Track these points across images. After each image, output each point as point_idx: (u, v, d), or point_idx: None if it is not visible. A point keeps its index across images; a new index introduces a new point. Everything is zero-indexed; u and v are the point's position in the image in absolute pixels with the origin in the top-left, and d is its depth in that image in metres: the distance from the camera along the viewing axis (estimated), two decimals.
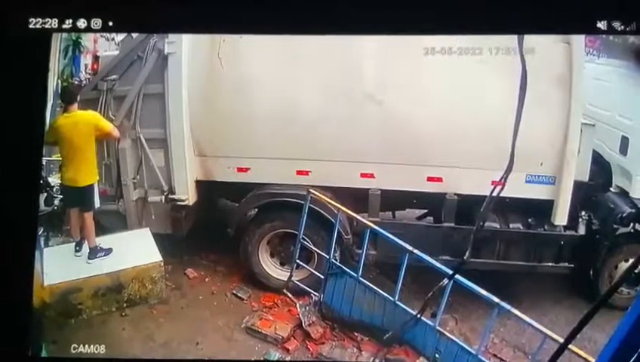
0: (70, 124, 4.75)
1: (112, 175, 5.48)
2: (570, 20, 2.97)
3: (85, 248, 4.83)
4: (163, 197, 5.34)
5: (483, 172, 4.79)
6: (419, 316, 4.39)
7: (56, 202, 5.15)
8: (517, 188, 4.79)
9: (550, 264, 5.14)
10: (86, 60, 6.57)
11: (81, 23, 2.94)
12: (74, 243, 4.88)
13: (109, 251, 4.83)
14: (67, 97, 4.99)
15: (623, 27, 2.88)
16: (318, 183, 5.09)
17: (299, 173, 5.18)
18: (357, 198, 5.20)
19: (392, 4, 2.96)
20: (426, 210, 5.66)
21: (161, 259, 4.89)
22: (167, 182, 5.34)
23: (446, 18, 2.99)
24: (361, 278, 4.81)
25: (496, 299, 4.17)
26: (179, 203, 5.30)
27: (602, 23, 2.89)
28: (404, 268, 4.54)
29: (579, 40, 4.71)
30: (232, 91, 5.16)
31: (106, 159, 5.43)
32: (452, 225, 5.19)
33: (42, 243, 4.68)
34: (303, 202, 4.96)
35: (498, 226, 5.17)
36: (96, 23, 2.94)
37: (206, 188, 5.44)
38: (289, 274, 5.19)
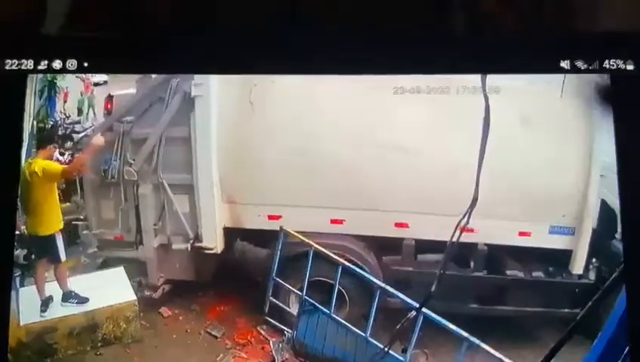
0: (32, 169, 4.72)
1: (129, 220, 5.43)
2: (534, 60, 3.15)
3: (51, 308, 4.79)
4: (189, 245, 5.28)
5: (511, 223, 4.98)
6: (387, 349, 4.53)
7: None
8: (541, 239, 5.03)
9: (566, 310, 5.17)
10: (61, 101, 6.55)
11: (57, 64, 3.06)
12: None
13: (84, 300, 4.86)
14: (40, 140, 5.10)
15: (586, 66, 3.06)
16: (352, 232, 5.13)
17: (333, 221, 5.17)
18: (391, 247, 5.26)
19: (355, 46, 3.12)
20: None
21: (136, 298, 5.01)
22: (192, 230, 5.29)
23: (410, 58, 3.15)
24: (333, 315, 4.97)
25: (465, 334, 4.37)
26: (206, 251, 5.25)
27: (565, 62, 3.07)
28: (375, 303, 4.69)
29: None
30: (263, 137, 5.12)
31: (123, 204, 5.42)
32: (482, 274, 5.28)
33: (18, 283, 4.76)
34: (338, 253, 5.01)
35: (522, 275, 5.27)
36: (72, 63, 3.06)
37: (233, 235, 5.42)
38: None
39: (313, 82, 4.83)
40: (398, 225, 5.19)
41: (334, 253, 4.98)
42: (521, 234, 5.10)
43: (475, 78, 3.26)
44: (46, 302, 4.80)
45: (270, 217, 5.25)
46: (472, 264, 5.28)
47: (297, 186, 5.11)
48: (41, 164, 4.77)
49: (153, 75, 5.26)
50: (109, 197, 5.52)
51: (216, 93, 5.10)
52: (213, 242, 5.25)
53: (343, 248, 5.12)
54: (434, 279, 4.85)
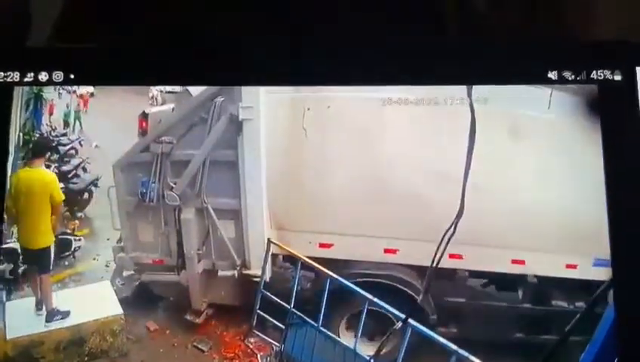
0: (28, 179, 4.74)
1: (169, 244, 5.36)
2: (521, 70, 3.17)
3: (45, 311, 4.83)
4: (236, 272, 5.21)
5: (558, 256, 4.93)
6: (372, 361, 4.59)
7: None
8: (586, 271, 4.91)
9: None
10: (47, 113, 6.51)
11: (43, 76, 3.09)
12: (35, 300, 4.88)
13: (66, 314, 4.84)
14: (36, 149, 5.03)
15: (573, 77, 3.09)
16: (405, 262, 5.05)
17: (387, 251, 5.08)
18: (444, 278, 5.13)
19: (342, 57, 3.14)
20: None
21: (122, 311, 4.99)
22: (239, 256, 5.22)
23: (395, 69, 3.17)
24: (321, 328, 4.95)
25: (453, 347, 4.37)
26: (254, 279, 5.16)
27: (553, 73, 3.10)
28: (363, 316, 4.68)
29: None
30: (317, 164, 5.03)
31: (163, 228, 5.34)
32: (529, 305, 5.20)
33: (4, 297, 4.76)
34: (392, 283, 4.98)
35: (566, 305, 5.17)
36: (58, 75, 3.09)
37: (281, 261, 5.30)
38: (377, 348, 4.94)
39: (369, 109, 4.73)
40: (452, 256, 5.02)
41: (384, 282, 4.97)
42: (568, 266, 5.08)
43: None
44: (40, 302, 4.82)
45: (321, 245, 5.16)
46: (520, 294, 5.22)
47: (351, 215, 5.02)
48: (53, 179, 4.87)
49: (193, 94, 5.17)
50: (147, 221, 5.44)
51: (266, 117, 4.98)
52: (260, 270, 5.14)
53: (394, 278, 5.07)
54: (487, 310, 4.94)
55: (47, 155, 5.01)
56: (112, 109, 6.89)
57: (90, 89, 6.48)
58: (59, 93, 6.54)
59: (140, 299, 5.51)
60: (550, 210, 4.81)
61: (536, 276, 5.11)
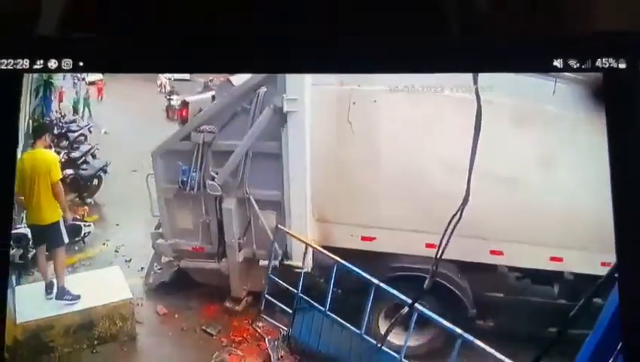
0: (31, 160, 4.78)
1: (210, 233, 5.40)
2: (527, 59, 3.18)
3: (56, 290, 4.88)
4: (277, 262, 5.18)
5: (595, 254, 4.69)
6: (379, 346, 4.63)
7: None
8: None
9: None
10: (56, 100, 6.53)
11: (52, 64, 3.10)
12: (44, 284, 4.92)
13: (76, 297, 4.89)
14: (36, 131, 5.05)
15: (578, 65, 3.09)
16: (446, 256, 4.79)
17: (428, 246, 4.97)
18: (484, 273, 5.19)
19: (350, 45, 3.14)
20: None
21: (131, 296, 5.05)
22: (281, 246, 5.20)
23: (401, 57, 3.17)
24: (328, 312, 4.98)
25: (459, 330, 4.42)
26: (296, 269, 5.14)
27: (558, 61, 3.10)
28: (370, 301, 4.71)
29: None
30: (362, 158, 5.00)
31: (204, 217, 5.38)
32: (564, 301, 5.15)
33: (14, 281, 4.77)
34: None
35: (600, 301, 5.14)
36: (67, 63, 3.10)
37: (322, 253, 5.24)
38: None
39: (415, 103, 4.68)
40: (493, 252, 5.13)
41: (425, 276, 4.79)
42: (603, 264, 5.05)
43: None
44: (50, 286, 4.88)
45: (363, 238, 5.17)
46: (556, 290, 5.22)
47: (394, 209, 5.01)
48: (53, 159, 4.90)
49: (234, 82, 5.16)
50: (187, 209, 5.48)
51: (310, 109, 4.94)
52: (302, 261, 5.13)
53: (436, 272, 4.91)
54: (523, 305, 4.94)
55: (46, 136, 5.01)
56: (122, 96, 6.97)
57: (99, 76, 6.55)
58: (74, 82, 6.58)
59: (178, 284, 5.58)
60: (586, 209, 4.66)
61: (572, 273, 5.10)
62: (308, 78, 4.83)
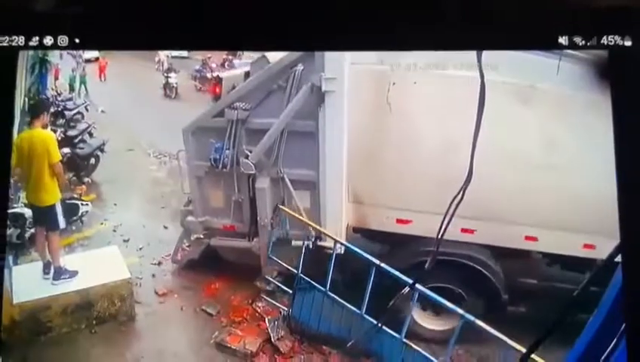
0: (28, 139, 4.71)
1: (242, 211, 5.35)
2: (532, 36, 3.13)
3: (53, 270, 4.86)
4: (310, 243, 5.09)
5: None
6: (380, 325, 4.59)
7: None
8: None
9: None
10: (52, 78, 6.51)
11: (48, 41, 3.05)
12: (42, 264, 4.89)
13: (74, 273, 4.88)
14: (34, 110, 4.97)
15: (584, 42, 3.05)
16: (481, 241, 4.98)
17: (463, 230, 4.95)
18: (518, 259, 5.13)
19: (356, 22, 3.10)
20: None
21: (130, 276, 5.02)
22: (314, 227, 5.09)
23: (407, 35, 3.13)
24: (329, 292, 4.95)
25: (460, 311, 4.37)
26: (328, 251, 5.01)
27: (563, 38, 3.06)
28: (370, 281, 4.69)
29: None
30: (399, 139, 4.86)
31: (236, 196, 5.33)
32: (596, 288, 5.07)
33: (11, 261, 4.77)
34: (467, 262, 4.92)
35: None
36: (63, 40, 3.05)
37: (355, 234, 5.20)
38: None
39: (455, 87, 4.48)
40: (528, 238, 5.01)
41: (460, 261, 4.92)
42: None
43: None
44: (48, 265, 4.85)
45: (399, 221, 5.07)
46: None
47: (430, 192, 4.82)
48: (51, 138, 4.80)
49: (270, 59, 5.07)
50: (219, 187, 5.43)
51: (349, 89, 4.81)
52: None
53: (470, 257, 4.99)
54: (555, 292, 4.87)
55: (45, 114, 4.96)
56: (118, 74, 6.93)
57: (95, 54, 6.52)
58: (77, 61, 6.53)
59: (207, 262, 5.55)
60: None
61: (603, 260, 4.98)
62: (347, 57, 4.71)
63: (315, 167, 5.00)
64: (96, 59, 6.71)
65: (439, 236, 3.99)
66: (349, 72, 4.73)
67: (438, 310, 5.03)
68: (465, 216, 4.65)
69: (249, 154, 5.03)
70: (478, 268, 4.97)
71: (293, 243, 5.18)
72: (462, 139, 4.38)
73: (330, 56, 4.66)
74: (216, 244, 5.47)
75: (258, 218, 5.21)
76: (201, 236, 5.55)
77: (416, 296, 4.52)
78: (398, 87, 4.75)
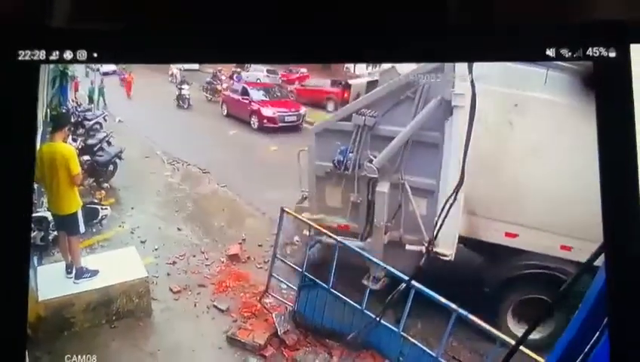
0: (50, 153, 4.78)
1: (358, 213, 5.34)
2: (520, 48, 3.16)
3: (75, 270, 4.94)
4: (424, 248, 5.02)
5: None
6: (378, 319, 4.67)
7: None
8: None
9: None
10: (72, 90, 6.51)
11: (68, 55, 3.10)
12: (65, 265, 4.97)
13: (95, 272, 4.96)
14: (55, 123, 5.03)
15: (570, 54, 3.07)
16: (577, 259, 4.78)
17: (562, 247, 4.87)
18: None
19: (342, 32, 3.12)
20: None
21: (147, 275, 5.10)
22: (428, 233, 5.07)
23: (399, 47, 3.15)
24: (331, 289, 5.02)
25: (453, 306, 4.42)
26: (441, 257, 4.98)
27: (551, 50, 3.08)
28: (371, 278, 4.75)
29: None
30: (519, 158, 4.84)
31: (355, 197, 5.31)
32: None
33: (36, 262, 4.84)
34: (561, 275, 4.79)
35: None
36: (82, 54, 3.09)
37: (463, 243, 5.15)
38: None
39: (566, 114, 4.44)
40: (509, 234, 5.03)
41: (553, 274, 4.82)
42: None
43: None
44: (70, 265, 4.93)
45: (507, 234, 5.03)
46: None
47: (540, 209, 4.82)
48: (71, 152, 4.86)
49: (400, 70, 5.02)
50: (338, 187, 5.42)
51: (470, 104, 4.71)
52: (450, 249, 4.99)
53: (563, 271, 4.83)
54: None
55: (67, 129, 5.03)
56: (134, 86, 6.94)
57: (112, 67, 6.53)
58: (95, 74, 6.51)
59: (318, 259, 5.48)
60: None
61: None
62: (474, 75, 4.56)
63: (436, 176, 5.02)
64: (114, 72, 6.72)
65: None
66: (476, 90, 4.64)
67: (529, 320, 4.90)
68: (569, 234, 4.72)
69: (373, 158, 5.04)
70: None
71: (407, 247, 5.16)
72: (580, 161, 4.32)
73: (460, 73, 4.62)
74: (327, 242, 5.38)
75: (375, 220, 5.18)
76: (313, 233, 5.48)
77: (413, 292, 4.55)
78: (519, 109, 4.74)
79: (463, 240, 5.10)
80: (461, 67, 4.55)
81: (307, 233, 5.38)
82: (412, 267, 4.90)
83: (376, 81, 5.53)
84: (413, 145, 5.03)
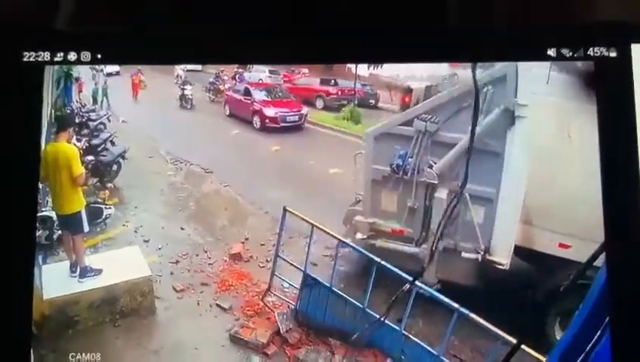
0: (54, 153, 4.79)
1: (414, 218, 5.29)
2: (521, 48, 3.14)
3: (79, 269, 4.93)
4: (479, 256, 5.03)
5: None
6: (382, 319, 4.63)
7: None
8: None
9: None
10: (76, 91, 6.52)
11: (72, 56, 3.08)
12: (69, 263, 4.96)
13: (99, 271, 4.94)
14: (60, 123, 5.04)
15: (571, 54, 3.05)
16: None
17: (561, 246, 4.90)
18: None
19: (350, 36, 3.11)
20: None
21: (150, 273, 5.09)
22: (484, 241, 5.05)
23: (400, 47, 3.13)
24: (333, 288, 5.02)
25: (455, 305, 4.42)
26: (497, 265, 4.98)
27: (552, 50, 3.06)
28: (372, 278, 4.72)
29: None
30: (577, 171, 4.71)
31: (412, 202, 5.26)
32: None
33: (41, 261, 4.85)
34: None
35: None
36: (86, 55, 3.08)
37: (518, 253, 5.11)
38: None
39: None
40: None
41: None
42: None
43: None
44: (75, 264, 4.92)
45: (561, 245, 4.94)
46: None
47: (593, 221, 4.72)
48: (73, 152, 4.85)
49: (461, 77, 4.97)
50: (395, 191, 5.36)
51: (535, 116, 4.76)
52: (506, 258, 4.97)
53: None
54: None
55: (71, 129, 5.04)
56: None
57: (116, 68, 6.52)
58: (98, 75, 6.50)
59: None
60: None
61: None
62: (537, 86, 4.68)
63: (495, 185, 4.96)
64: (117, 73, 6.72)
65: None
66: (538, 101, 4.69)
67: None
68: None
69: (433, 164, 5.00)
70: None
71: (463, 254, 5.10)
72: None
73: (523, 84, 4.67)
74: (381, 246, 5.38)
75: (431, 226, 5.12)
76: (366, 236, 5.48)
77: (414, 292, 4.54)
78: (576, 124, 4.64)
79: (515, 249, 5.06)
80: (524, 79, 4.60)
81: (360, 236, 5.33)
82: (467, 275, 4.98)
83: (432, 86, 5.50)
84: (474, 153, 4.78)
